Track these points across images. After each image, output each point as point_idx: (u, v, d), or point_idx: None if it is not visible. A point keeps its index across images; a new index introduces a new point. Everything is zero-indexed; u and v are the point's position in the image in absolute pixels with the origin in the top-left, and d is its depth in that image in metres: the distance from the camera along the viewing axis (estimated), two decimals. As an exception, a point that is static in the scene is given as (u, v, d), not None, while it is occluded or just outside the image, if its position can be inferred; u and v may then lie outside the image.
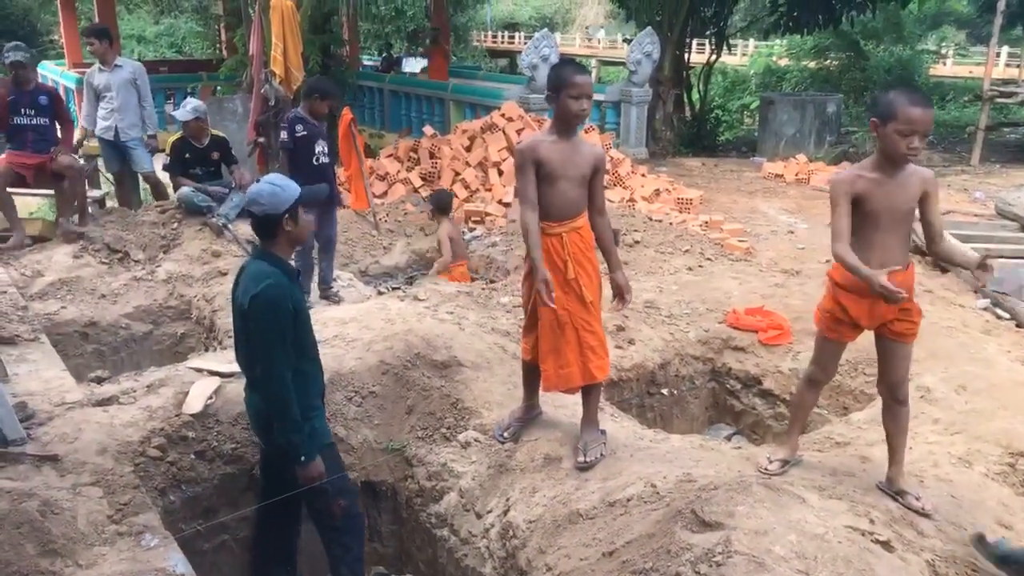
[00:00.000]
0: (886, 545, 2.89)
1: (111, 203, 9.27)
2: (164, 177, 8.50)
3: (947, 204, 11.07)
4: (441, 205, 8.47)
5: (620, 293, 4.02)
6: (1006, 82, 17.07)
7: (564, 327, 3.94)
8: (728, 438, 5.75)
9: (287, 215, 3.46)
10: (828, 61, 22.63)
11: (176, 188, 8.06)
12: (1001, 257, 7.45)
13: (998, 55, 23.22)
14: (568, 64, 3.93)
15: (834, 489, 3.38)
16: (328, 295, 6.60)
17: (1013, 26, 23.12)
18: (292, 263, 3.74)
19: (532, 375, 4.31)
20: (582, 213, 3.91)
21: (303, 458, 3.47)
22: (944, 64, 28.11)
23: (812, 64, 23.23)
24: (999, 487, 3.79)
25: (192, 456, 4.14)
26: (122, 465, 3.81)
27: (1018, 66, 23.44)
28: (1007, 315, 6.27)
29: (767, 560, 2.70)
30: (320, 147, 6.62)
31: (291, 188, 3.51)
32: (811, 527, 2.90)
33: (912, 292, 3.40)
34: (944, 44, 31.00)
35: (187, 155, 7.84)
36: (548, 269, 3.89)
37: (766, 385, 5.95)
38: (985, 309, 6.43)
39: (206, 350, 6.22)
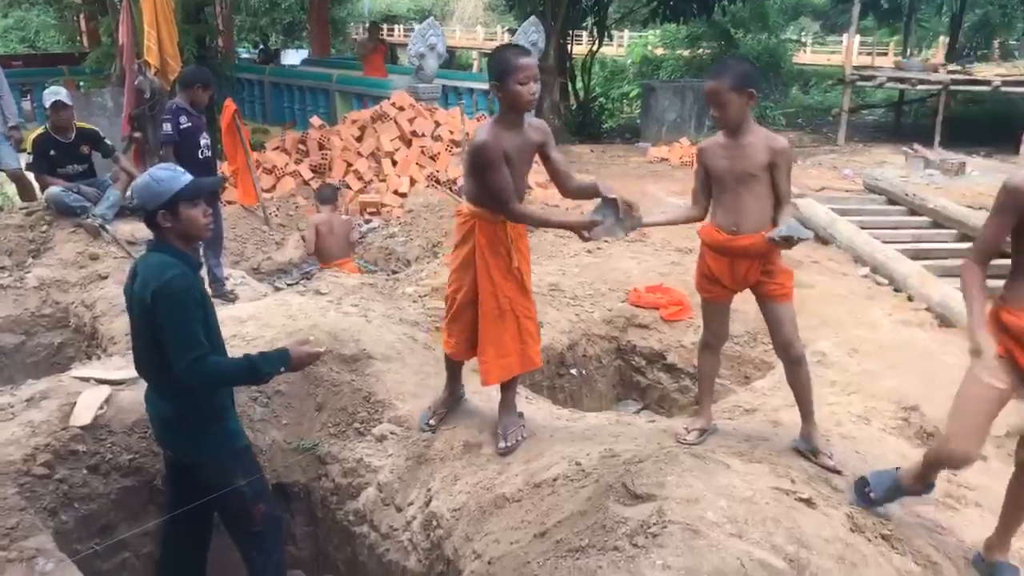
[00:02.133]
0: (808, 503, 2.99)
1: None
2: (31, 175, 7.84)
3: (820, 181, 11.72)
4: (322, 197, 8.16)
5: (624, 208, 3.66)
6: (862, 68, 18.21)
7: (505, 316, 3.88)
8: (636, 413, 5.87)
9: (163, 210, 3.16)
10: (701, 50, 23.48)
11: (43, 188, 7.44)
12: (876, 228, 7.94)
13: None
14: (508, 48, 3.75)
15: (752, 453, 3.47)
16: (221, 294, 6.28)
17: (864, 16, 24.69)
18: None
19: (454, 367, 4.24)
20: (522, 199, 3.86)
21: (283, 369, 3.34)
22: (804, 52, 29.74)
23: (686, 53, 24.05)
24: (896, 440, 4.02)
25: (84, 471, 3.83)
26: (5, 487, 3.48)
27: (870, 53, 25.11)
28: (886, 281, 6.68)
29: (701, 527, 2.73)
30: (204, 140, 6.29)
31: (169, 181, 3.17)
32: (739, 491, 2.97)
33: (775, 254, 3.52)
34: (803, 33, 32.81)
35: (52, 152, 7.22)
36: (491, 258, 3.79)
37: (670, 360, 6.10)
38: (865, 276, 6.82)
39: (88, 359, 5.78)
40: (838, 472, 3.45)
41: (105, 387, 4.31)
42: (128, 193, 3.19)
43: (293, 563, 4.62)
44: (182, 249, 3.30)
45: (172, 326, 3.10)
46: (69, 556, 3.20)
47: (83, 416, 4.05)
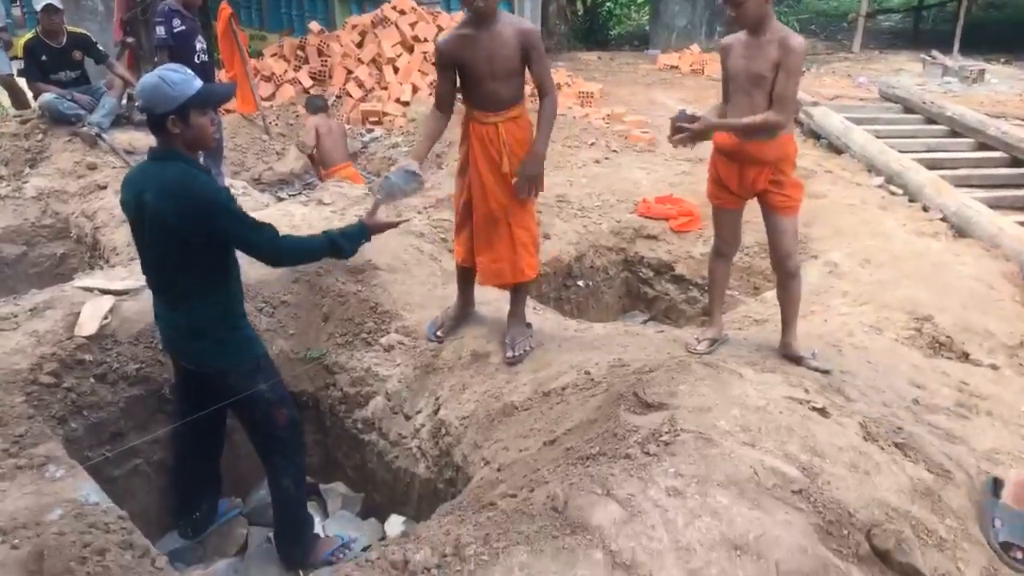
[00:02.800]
0: (822, 412, 2.97)
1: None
2: (24, 82, 7.61)
3: (833, 89, 11.38)
4: (313, 107, 7.94)
5: (530, 176, 3.69)
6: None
7: (498, 222, 3.80)
8: (643, 324, 5.84)
9: (173, 115, 2.96)
10: (713, -47, 22.48)
11: (36, 96, 7.23)
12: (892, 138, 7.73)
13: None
14: None
15: (764, 363, 3.44)
16: (223, 204, 6.15)
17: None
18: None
19: (465, 275, 4.17)
20: (519, 103, 3.70)
21: (363, 242, 3.37)
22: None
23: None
24: (908, 350, 3.98)
25: (91, 380, 3.81)
26: (12, 396, 3.46)
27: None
28: (900, 191, 6.53)
29: (713, 435, 2.71)
30: (200, 44, 6.05)
31: (181, 85, 2.96)
32: (752, 400, 2.94)
33: (787, 165, 3.42)
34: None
35: (44, 57, 6.98)
36: (483, 160, 3.70)
37: (678, 271, 6.03)
38: (879, 186, 6.67)
39: (91, 269, 5.72)
40: (826, 371, 3.44)
41: (109, 297, 4.26)
42: (137, 91, 3.01)
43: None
44: (190, 157, 3.15)
45: (236, 226, 3.04)
46: (80, 463, 3.20)
47: (88, 326, 4.01)
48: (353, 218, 5.45)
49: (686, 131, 3.28)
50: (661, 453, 2.65)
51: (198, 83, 3.02)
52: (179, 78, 2.98)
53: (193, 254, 3.08)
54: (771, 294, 5.00)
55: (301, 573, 3.52)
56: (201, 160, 5.92)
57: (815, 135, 8.17)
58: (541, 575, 2.21)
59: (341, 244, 3.27)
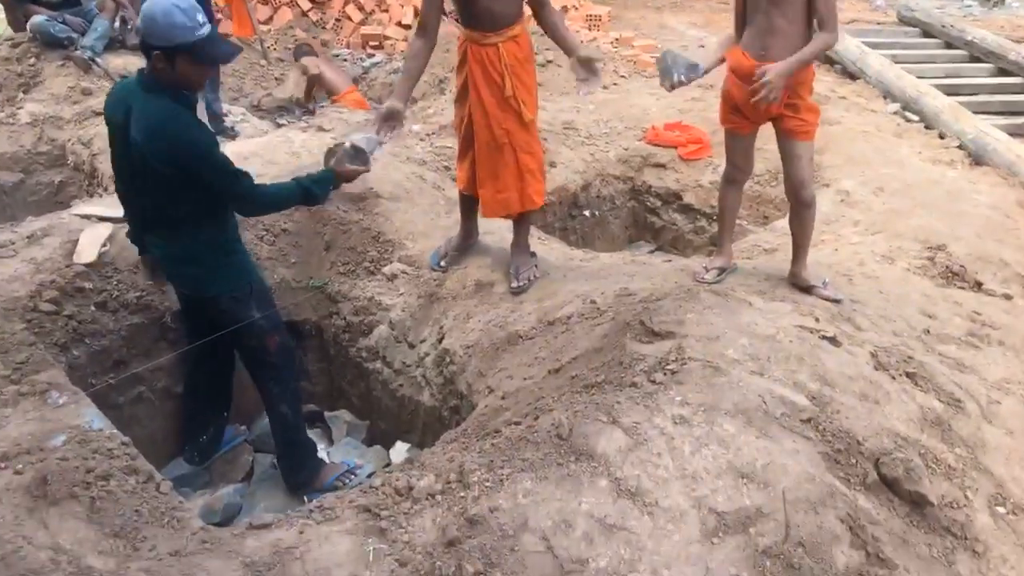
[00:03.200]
0: (833, 340, 2.92)
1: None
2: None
3: (850, 13, 11.01)
4: (301, 55, 7.78)
5: (589, 66, 3.61)
6: None
7: (502, 149, 3.68)
8: (650, 254, 5.76)
9: (159, 52, 2.81)
10: None
11: (27, 18, 7.00)
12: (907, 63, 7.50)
13: None
14: None
15: (774, 292, 3.38)
16: (221, 130, 6.03)
17: None
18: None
19: (468, 203, 4.08)
20: (518, 21, 3.54)
21: (332, 189, 3.35)
22: None
23: None
24: (920, 280, 3.90)
25: (92, 308, 3.77)
26: (12, 323, 3.43)
27: None
28: (916, 118, 6.35)
29: (722, 364, 2.67)
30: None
31: (182, 29, 2.75)
32: (761, 329, 2.89)
33: (803, 88, 3.29)
34: None
35: (32, -23, 6.76)
36: (484, 85, 3.57)
37: (686, 200, 5.92)
38: (895, 113, 6.48)
39: (90, 197, 5.64)
40: (837, 300, 3.38)
41: (107, 224, 4.18)
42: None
43: (307, 398, 4.68)
44: (179, 90, 3.02)
45: (213, 173, 2.96)
46: (83, 390, 3.19)
47: (87, 253, 3.95)
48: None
49: (764, 93, 3.10)
50: (668, 382, 2.61)
51: (203, 32, 2.81)
52: (184, 20, 2.77)
53: (180, 189, 3.01)
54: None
55: (306, 498, 3.53)
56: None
57: (829, 60, 7.91)
58: (546, 502, 2.20)
59: (313, 190, 3.23)
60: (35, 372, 3.14)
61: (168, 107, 2.89)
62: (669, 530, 2.15)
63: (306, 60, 7.64)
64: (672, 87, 3.42)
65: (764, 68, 3.09)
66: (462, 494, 2.33)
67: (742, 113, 3.43)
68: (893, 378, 2.81)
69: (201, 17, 2.82)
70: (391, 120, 3.57)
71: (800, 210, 3.49)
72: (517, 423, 2.73)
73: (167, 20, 2.76)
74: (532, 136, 3.74)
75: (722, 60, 3.46)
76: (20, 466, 2.55)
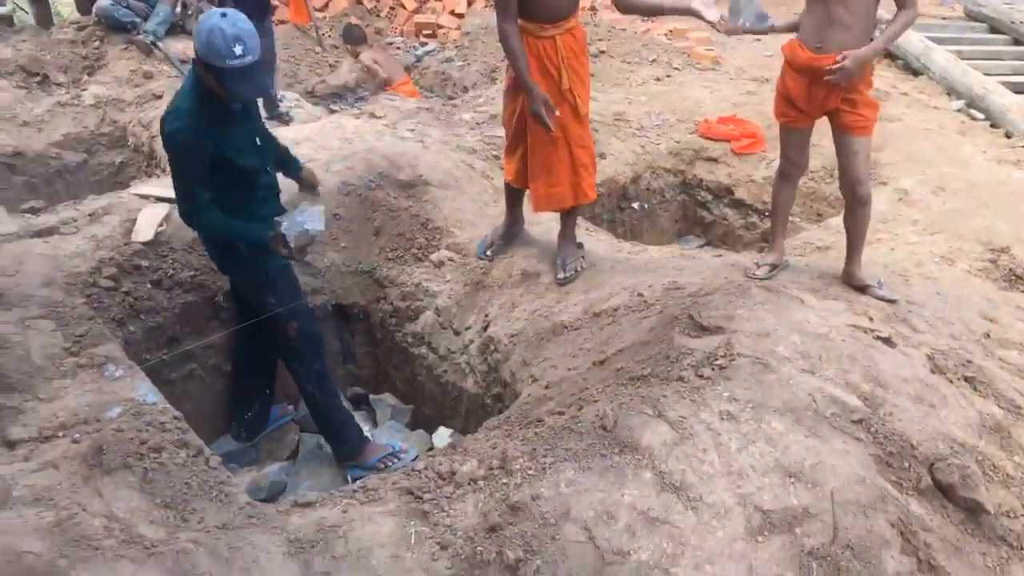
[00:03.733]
0: (887, 341, 2.85)
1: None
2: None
3: (915, 8, 10.66)
4: (351, 37, 7.80)
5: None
6: None
7: (557, 143, 3.66)
8: (699, 249, 5.69)
9: (202, 64, 2.95)
10: None
11: (93, 2, 7.19)
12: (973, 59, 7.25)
13: None
14: None
15: (827, 290, 3.30)
16: (276, 115, 6.12)
17: None
18: None
19: (514, 193, 4.07)
20: (574, 13, 3.52)
21: (258, 250, 3.27)
22: None
23: None
24: (982, 282, 3.78)
25: (148, 285, 3.87)
26: (73, 297, 3.54)
27: None
28: (981, 116, 6.15)
29: (771, 361, 2.62)
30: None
31: (222, 52, 2.85)
32: (813, 327, 2.83)
33: (862, 82, 3.19)
34: None
35: (98, -39, 6.93)
36: (540, 79, 3.54)
37: (738, 195, 5.83)
38: (959, 110, 6.28)
39: (148, 179, 5.77)
40: (892, 301, 3.28)
41: (164, 205, 4.29)
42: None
43: (353, 381, 4.75)
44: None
45: (174, 176, 3.12)
46: (138, 364, 3.27)
47: (144, 232, 4.05)
48: (406, 132, 5.37)
49: (838, 78, 3.04)
50: (716, 377, 2.57)
51: (235, 62, 2.87)
52: (220, 46, 2.85)
53: None
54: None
55: (348, 476, 3.59)
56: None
57: (891, 56, 7.70)
58: (588, 492, 2.19)
59: (244, 235, 3.25)
60: (93, 345, 3.24)
61: (184, 106, 3.02)
62: (713, 526, 2.12)
63: (362, 54, 7.70)
64: (732, 32, 3.33)
65: (844, 53, 3.01)
66: (504, 480, 2.33)
67: (797, 107, 3.35)
68: (951, 382, 2.73)
69: (239, 49, 2.87)
70: (547, 105, 3.46)
71: (855, 208, 3.41)
72: (560, 413, 2.72)
73: (208, 39, 2.87)
74: (585, 130, 3.72)
75: (792, 29, 3.35)
76: (78, 435, 2.63)
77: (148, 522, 2.32)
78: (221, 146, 3.09)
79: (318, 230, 3.31)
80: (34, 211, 4.57)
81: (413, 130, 5.45)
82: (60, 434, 2.66)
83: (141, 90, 6.56)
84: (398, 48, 8.76)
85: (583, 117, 3.66)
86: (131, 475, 2.46)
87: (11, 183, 5.97)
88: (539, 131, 3.59)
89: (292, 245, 3.21)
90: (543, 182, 3.74)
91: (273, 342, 3.65)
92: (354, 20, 9.22)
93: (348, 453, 3.75)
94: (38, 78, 6.65)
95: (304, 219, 3.26)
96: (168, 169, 3.16)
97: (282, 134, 5.26)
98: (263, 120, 6.03)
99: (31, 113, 6.28)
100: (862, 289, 3.41)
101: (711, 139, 6.10)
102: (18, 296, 3.43)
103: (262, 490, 3.63)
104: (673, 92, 6.85)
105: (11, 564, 2.00)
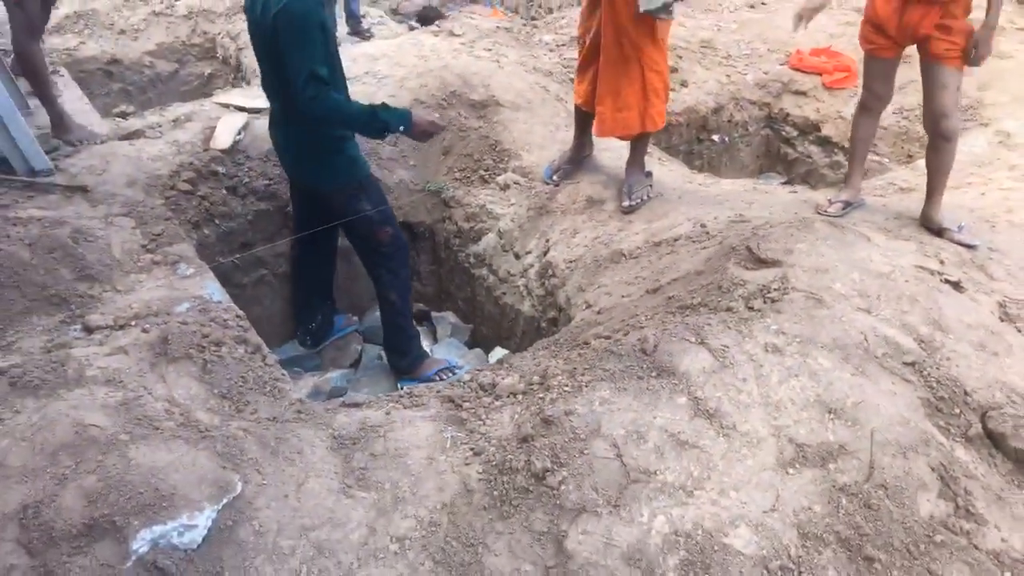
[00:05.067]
0: (956, 285, 2.71)
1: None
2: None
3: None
4: (426, 19, 7.62)
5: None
6: None
7: (629, 64, 3.55)
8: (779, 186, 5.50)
9: None
10: None
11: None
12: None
13: None
14: None
15: (900, 231, 3.16)
16: (358, 31, 6.15)
17: None
18: None
19: (584, 117, 4.00)
20: None
21: (401, 128, 3.19)
22: None
23: None
24: (1077, 234, 3.53)
25: (224, 191, 4.02)
26: (152, 198, 3.71)
27: None
28: (1106, 57, 5.62)
29: (826, 297, 2.54)
30: None
31: None
32: (876, 266, 2.71)
33: (958, 7, 2.97)
34: None
35: None
36: None
37: (825, 132, 5.57)
38: (1082, 51, 5.76)
39: (231, 88, 5.93)
40: (971, 246, 3.12)
41: (243, 114, 4.41)
42: None
43: (417, 298, 4.85)
44: None
45: (292, 54, 2.95)
46: (209, 265, 3.43)
47: (223, 139, 4.19)
48: (482, 52, 5.32)
49: (982, 50, 2.88)
50: (766, 309, 2.52)
51: None
52: None
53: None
54: (923, 161, 4.54)
55: (401, 385, 3.70)
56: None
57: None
58: (621, 411, 2.20)
59: (380, 115, 3.12)
60: (169, 244, 3.41)
61: None
62: (743, 454, 2.11)
63: None
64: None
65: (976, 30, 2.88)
66: (541, 395, 2.37)
67: (886, 33, 3.15)
68: (1020, 331, 2.59)
69: None
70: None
71: (939, 143, 3.22)
72: (607, 337, 2.72)
73: None
74: (662, 55, 3.60)
75: None
76: (148, 326, 2.79)
77: (205, 409, 2.46)
78: (330, 33, 3.08)
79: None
80: (124, 115, 4.77)
81: (490, 50, 5.39)
82: (133, 323, 2.82)
83: (230, 2, 6.67)
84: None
85: (660, 42, 3.53)
86: (192, 365, 2.60)
87: (109, 89, 6.23)
88: (612, 49, 3.50)
89: None
90: (610, 104, 3.65)
91: (363, 248, 3.66)
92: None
93: (408, 366, 3.86)
94: (135, -14, 6.84)
95: None
96: (287, 52, 2.96)
97: (361, 50, 5.31)
98: (346, 34, 6.09)
99: (127, 22, 6.49)
100: (939, 232, 3.25)
101: (802, 71, 5.82)
102: (103, 194, 3.62)
103: (323, 395, 3.78)
104: (766, 20, 6.53)
105: (77, 434, 2.17)
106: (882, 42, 3.18)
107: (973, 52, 2.99)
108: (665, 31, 3.58)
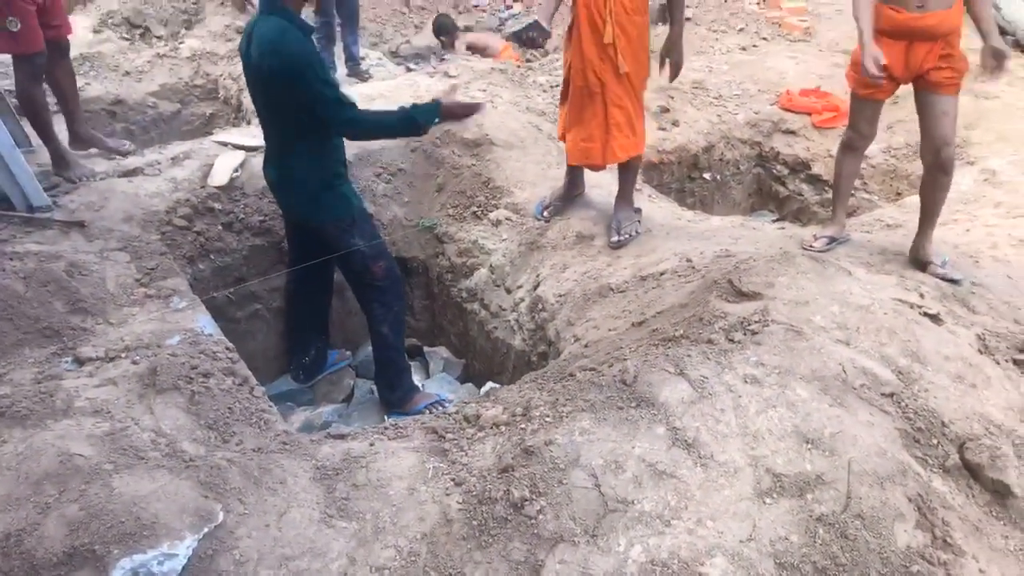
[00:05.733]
0: (935, 318, 2.74)
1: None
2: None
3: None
4: (443, 29, 7.80)
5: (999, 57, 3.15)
6: None
7: (594, 97, 3.64)
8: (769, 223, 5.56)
9: None
10: None
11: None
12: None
13: None
14: None
15: (883, 266, 3.20)
16: (356, 72, 6.28)
17: None
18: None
19: None
20: None
21: (437, 120, 3.28)
22: None
23: None
24: (1060, 269, 3.57)
25: (219, 227, 4.08)
26: (148, 233, 3.77)
27: None
28: (1090, 98, 5.72)
29: (806, 329, 2.58)
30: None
31: None
32: (856, 299, 2.75)
33: (956, 37, 3.04)
34: None
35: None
36: (587, 28, 3.54)
37: (815, 170, 5.65)
38: (1067, 91, 5.86)
39: (230, 128, 6.04)
40: (954, 281, 3.15)
41: (241, 152, 4.50)
42: None
43: (411, 333, 4.89)
44: (295, 11, 3.19)
45: (313, 88, 3.05)
46: (202, 299, 3.47)
47: (220, 177, 4.27)
48: (477, 92, 5.43)
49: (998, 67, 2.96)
50: (746, 341, 2.55)
51: None
52: None
53: (287, 110, 3.17)
54: (912, 199, 4.59)
55: (387, 418, 3.71)
56: (338, 30, 6.07)
57: (1001, 31, 7.23)
58: (600, 441, 2.22)
59: (416, 119, 3.21)
60: (163, 278, 3.46)
61: (279, 25, 3.05)
62: (720, 484, 2.13)
63: (457, 42, 7.76)
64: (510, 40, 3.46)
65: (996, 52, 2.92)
66: (523, 426, 2.39)
67: (891, 74, 3.18)
68: (998, 363, 2.61)
69: None
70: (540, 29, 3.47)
71: (937, 175, 3.22)
72: (592, 369, 2.75)
73: None
74: (625, 90, 3.65)
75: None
76: (138, 357, 2.83)
77: (191, 439, 2.49)
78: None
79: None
80: (124, 154, 4.85)
81: (484, 90, 5.51)
82: (123, 355, 2.86)
83: (232, 45, 6.84)
84: (483, 10, 8.80)
85: (623, 76, 3.60)
86: (180, 396, 2.63)
87: (112, 129, 6.34)
88: (578, 82, 3.60)
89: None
90: (576, 134, 3.75)
91: (356, 282, 3.71)
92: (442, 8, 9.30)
93: (398, 400, 3.88)
94: (140, 30, 7.01)
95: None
96: (304, 91, 3.06)
97: (358, 90, 5.43)
98: (344, 75, 6.21)
99: (132, 64, 6.64)
100: (924, 266, 3.29)
101: (792, 111, 5.92)
102: (100, 229, 3.68)
103: (315, 429, 3.80)
104: (757, 62, 6.66)
105: (62, 464, 2.19)
106: (884, 85, 3.22)
107: (993, 65, 3.01)
108: (631, 67, 3.64)
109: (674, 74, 3.75)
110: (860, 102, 3.42)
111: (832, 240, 3.55)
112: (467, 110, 3.49)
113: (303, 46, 3.07)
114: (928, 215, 3.34)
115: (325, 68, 3.13)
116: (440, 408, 3.89)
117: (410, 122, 3.23)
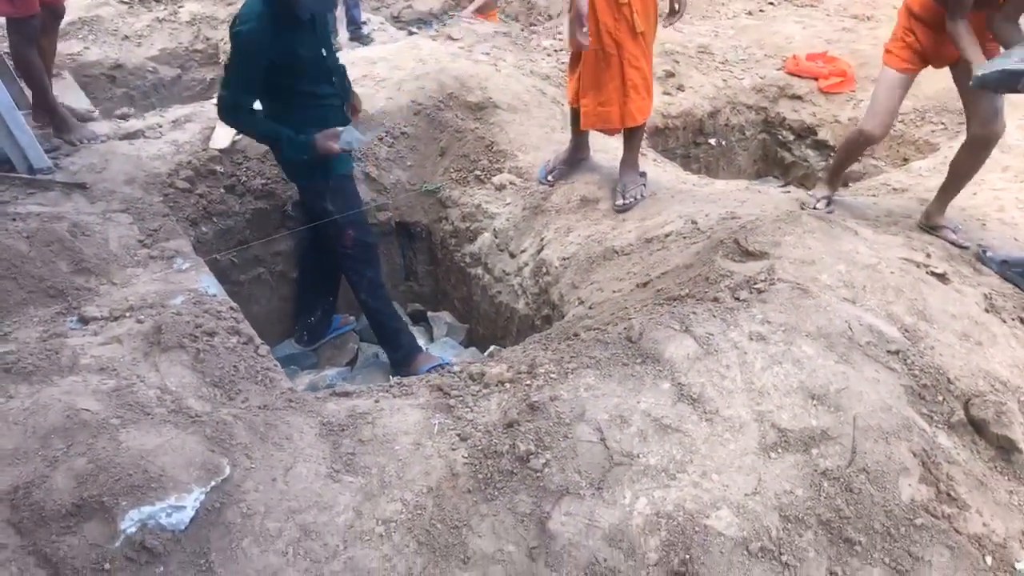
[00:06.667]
0: (942, 278, 2.73)
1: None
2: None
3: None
4: None
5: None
6: None
7: (609, 60, 3.60)
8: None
9: None
10: None
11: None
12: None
13: None
14: None
15: (890, 228, 3.18)
16: (358, 36, 6.22)
17: None
18: None
19: (579, 118, 4.04)
20: None
21: (303, 155, 3.37)
22: None
23: None
24: (1067, 233, 3.55)
25: (222, 190, 4.06)
26: (151, 195, 3.76)
27: None
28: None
29: (812, 288, 2.56)
30: None
31: None
32: (862, 258, 2.73)
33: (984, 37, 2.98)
34: None
35: None
36: None
37: (821, 136, 5.60)
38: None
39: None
40: (963, 247, 3.13)
41: (242, 115, 4.45)
42: None
43: (415, 298, 4.90)
44: None
45: (226, 68, 3.26)
46: (204, 260, 3.46)
47: (221, 140, 4.24)
48: (480, 56, 5.37)
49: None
50: (752, 300, 2.54)
51: None
52: None
53: None
54: (920, 163, 4.56)
55: (392, 377, 3.72)
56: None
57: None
58: (605, 396, 2.23)
59: (286, 143, 3.35)
60: (166, 240, 3.45)
61: (255, 9, 3.10)
62: (726, 439, 2.13)
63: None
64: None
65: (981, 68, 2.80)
66: (528, 383, 2.39)
67: (923, 56, 3.13)
68: (1004, 321, 2.61)
69: None
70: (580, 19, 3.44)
71: (977, 146, 3.13)
72: (597, 329, 2.75)
73: None
74: (642, 50, 3.62)
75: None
76: (142, 317, 2.83)
77: (197, 396, 2.49)
78: (286, 52, 3.19)
79: (353, 144, 3.44)
80: (124, 116, 4.82)
81: (488, 54, 5.45)
82: (128, 315, 2.86)
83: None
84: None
85: (639, 36, 3.56)
86: (185, 354, 2.63)
87: (112, 94, 6.29)
88: (595, 44, 3.55)
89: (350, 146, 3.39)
90: (592, 98, 3.70)
91: (333, 247, 3.77)
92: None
93: (401, 358, 3.89)
94: (139, -7, 6.92)
95: (347, 135, 3.40)
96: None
97: (359, 54, 5.37)
98: (346, 39, 6.16)
99: (131, 28, 6.56)
100: (935, 229, 3.26)
101: (798, 76, 5.85)
102: (102, 191, 3.67)
103: (319, 391, 3.82)
104: (763, 26, 6.58)
105: (69, 418, 2.20)
106: (918, 63, 3.17)
107: None
108: (645, 25, 3.60)
109: (679, 16, 3.65)
110: (891, 76, 3.22)
111: (828, 200, 3.53)
112: (329, 151, 3.40)
113: (249, 35, 3.12)
114: (954, 183, 3.27)
115: (249, 64, 3.22)
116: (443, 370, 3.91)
117: (279, 143, 3.38)
